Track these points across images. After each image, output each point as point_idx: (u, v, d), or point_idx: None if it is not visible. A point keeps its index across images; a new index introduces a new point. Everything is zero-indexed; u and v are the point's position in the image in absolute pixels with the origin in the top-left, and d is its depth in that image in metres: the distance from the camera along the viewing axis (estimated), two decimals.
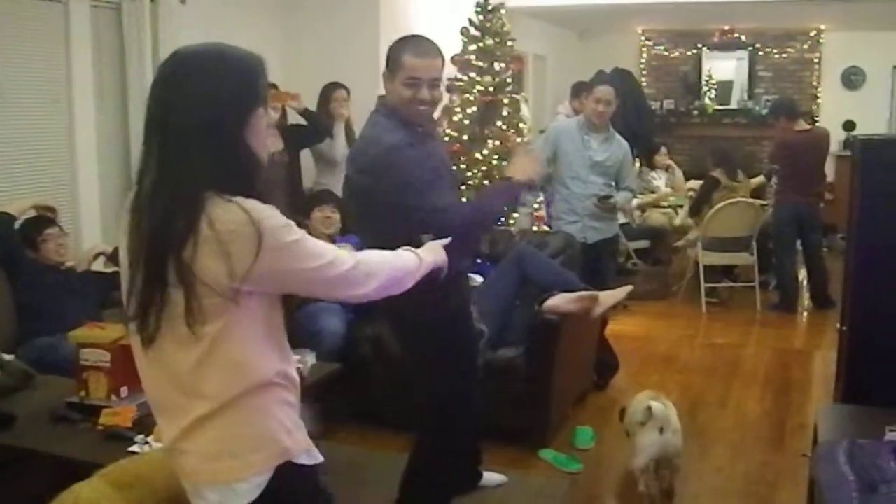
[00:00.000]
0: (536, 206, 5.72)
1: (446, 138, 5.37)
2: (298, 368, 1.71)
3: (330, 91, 5.25)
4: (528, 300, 3.84)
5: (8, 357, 3.27)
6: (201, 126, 1.48)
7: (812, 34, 9.66)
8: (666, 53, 10.28)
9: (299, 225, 1.56)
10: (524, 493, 3.39)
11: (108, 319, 3.50)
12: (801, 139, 6.29)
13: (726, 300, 6.66)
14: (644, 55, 10.33)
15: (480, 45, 5.58)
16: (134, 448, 2.57)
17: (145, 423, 2.62)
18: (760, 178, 7.18)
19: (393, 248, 1.87)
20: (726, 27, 9.81)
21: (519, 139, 5.54)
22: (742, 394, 4.69)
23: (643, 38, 10.29)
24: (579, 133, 4.52)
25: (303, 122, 5.04)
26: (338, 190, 4.33)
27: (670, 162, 8.08)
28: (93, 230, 4.51)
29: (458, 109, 5.52)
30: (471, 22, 5.61)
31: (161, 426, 1.66)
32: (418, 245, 1.97)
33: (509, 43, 5.68)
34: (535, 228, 5.54)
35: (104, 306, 3.86)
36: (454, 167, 4.54)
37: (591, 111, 4.51)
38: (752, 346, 5.64)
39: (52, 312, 3.65)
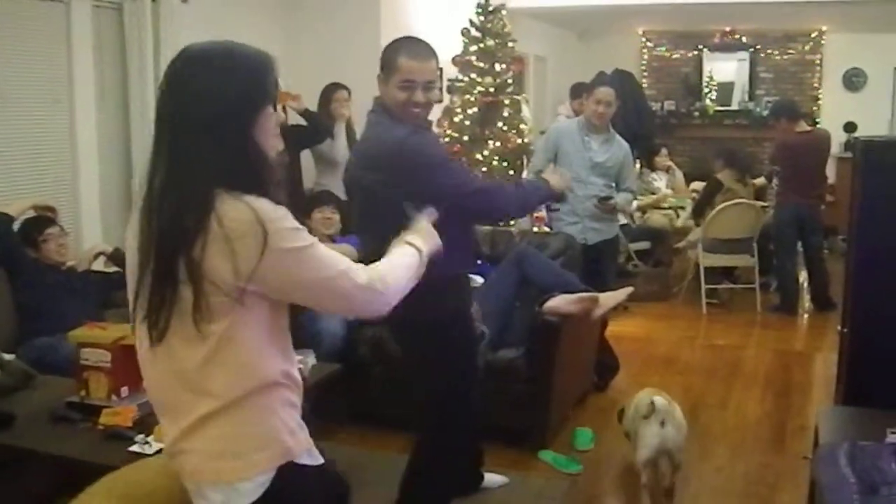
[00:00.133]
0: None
1: (447, 139, 5.38)
2: (300, 369, 1.71)
3: (331, 91, 5.26)
4: (529, 301, 3.83)
5: (8, 357, 3.27)
6: (210, 123, 1.48)
7: (813, 35, 9.65)
8: (667, 54, 10.27)
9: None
10: (524, 495, 3.39)
11: (108, 319, 3.51)
12: (802, 141, 6.28)
13: (727, 302, 6.65)
14: (645, 56, 10.33)
15: (481, 45, 5.59)
16: (134, 448, 2.57)
17: (146, 423, 2.62)
18: (761, 180, 7.18)
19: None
20: (727, 28, 9.80)
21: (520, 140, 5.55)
22: (742, 395, 4.69)
23: (644, 39, 10.28)
24: (580, 134, 4.51)
25: (303, 122, 5.04)
26: (338, 191, 4.33)
27: (671, 163, 8.07)
28: (93, 230, 4.51)
29: (458, 110, 5.53)
30: (471, 23, 5.62)
31: (163, 425, 1.65)
32: (406, 220, 1.95)
33: (510, 44, 5.70)
34: (535, 229, 5.54)
35: (105, 306, 3.87)
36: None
37: (591, 112, 4.50)
38: (753, 347, 5.63)
39: (52, 312, 3.65)
